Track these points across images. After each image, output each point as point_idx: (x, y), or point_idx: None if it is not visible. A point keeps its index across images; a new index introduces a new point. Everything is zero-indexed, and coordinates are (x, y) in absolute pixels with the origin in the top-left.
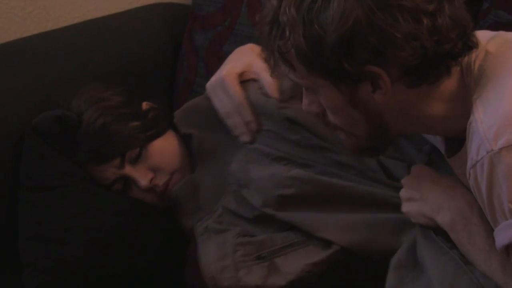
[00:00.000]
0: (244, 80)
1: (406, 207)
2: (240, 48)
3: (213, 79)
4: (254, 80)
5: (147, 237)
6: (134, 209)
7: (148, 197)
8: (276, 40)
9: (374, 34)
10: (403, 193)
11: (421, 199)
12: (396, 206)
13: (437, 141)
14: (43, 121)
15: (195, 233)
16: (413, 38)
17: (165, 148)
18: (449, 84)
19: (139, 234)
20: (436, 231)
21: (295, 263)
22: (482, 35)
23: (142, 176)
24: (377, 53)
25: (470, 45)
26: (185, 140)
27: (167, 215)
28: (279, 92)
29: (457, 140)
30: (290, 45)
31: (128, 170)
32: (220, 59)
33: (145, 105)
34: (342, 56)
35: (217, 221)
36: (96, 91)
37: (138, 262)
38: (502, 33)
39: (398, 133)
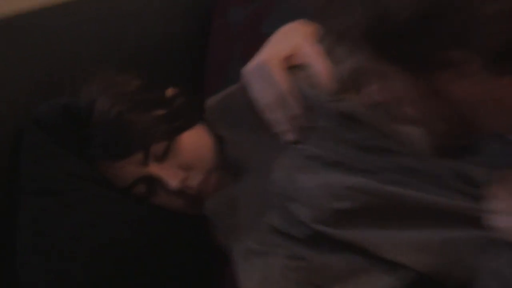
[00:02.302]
0: (291, 66)
1: (503, 222)
2: (287, 26)
3: (252, 64)
4: (303, 66)
5: (173, 252)
6: (158, 218)
7: (177, 203)
8: (335, 16)
9: (458, 12)
10: (496, 205)
11: None
12: (479, 221)
13: None
14: (47, 112)
15: (233, 255)
16: (505, 17)
17: (198, 142)
18: None
19: (163, 248)
20: None
21: None
22: None
23: (171, 176)
24: (461, 35)
25: None
26: (218, 139)
27: (200, 225)
28: (333, 81)
29: None
30: (353, 22)
31: (154, 168)
32: (259, 39)
33: (170, 91)
34: (418, 38)
35: (259, 241)
36: (109, 75)
37: (160, 281)
38: None
39: (487, 131)
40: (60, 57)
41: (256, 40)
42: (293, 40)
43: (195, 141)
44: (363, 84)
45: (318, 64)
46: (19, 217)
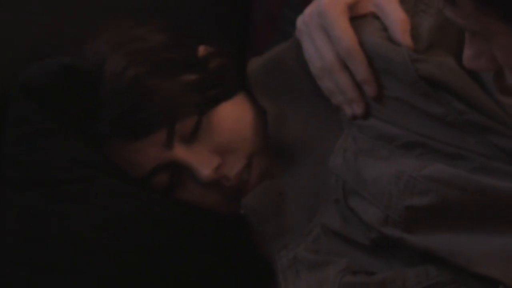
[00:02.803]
0: (358, 16)
1: None
2: None
3: (308, 11)
4: (374, 15)
5: (203, 263)
6: (184, 218)
7: (210, 198)
8: None
9: None
10: None
11: None
12: None
13: None
14: (39, 75)
15: (277, 266)
16: None
17: (238, 117)
18: None
19: (191, 258)
20: None
21: None
22: None
23: (202, 162)
24: None
25: None
26: (262, 113)
27: (239, 229)
28: (413, 36)
29: None
30: None
31: (180, 152)
32: None
33: (203, 49)
34: None
35: (311, 249)
36: (125, 27)
37: None
38: None
39: None
40: (60, 2)
41: None
42: None
43: (235, 116)
44: (446, 43)
45: (393, 13)
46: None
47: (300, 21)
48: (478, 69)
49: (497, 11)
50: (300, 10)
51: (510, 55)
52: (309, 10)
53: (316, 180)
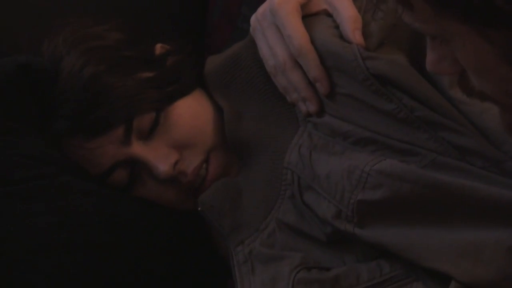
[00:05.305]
0: (310, 14)
1: None
2: None
3: (261, 10)
4: (326, 13)
5: (163, 260)
6: (143, 216)
7: (168, 194)
8: None
9: None
10: None
11: None
12: None
13: None
14: None
15: (233, 262)
16: None
17: (195, 113)
18: None
19: (150, 255)
20: None
21: None
22: None
23: (160, 158)
24: None
25: None
26: (220, 110)
27: (198, 225)
28: (364, 34)
29: None
30: None
31: (138, 148)
32: None
33: (160, 47)
34: None
35: (266, 243)
36: (82, 25)
37: None
38: None
39: None
40: (13, 3)
41: None
42: None
43: (192, 112)
44: (396, 40)
45: (344, 11)
46: None
47: (254, 19)
48: (442, 72)
49: (455, 13)
50: (255, 8)
51: (471, 56)
52: (262, 8)
53: (272, 176)
